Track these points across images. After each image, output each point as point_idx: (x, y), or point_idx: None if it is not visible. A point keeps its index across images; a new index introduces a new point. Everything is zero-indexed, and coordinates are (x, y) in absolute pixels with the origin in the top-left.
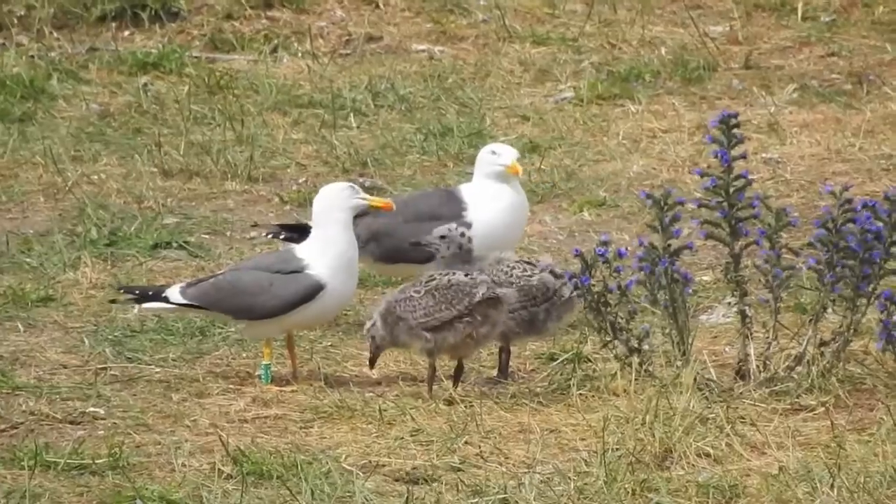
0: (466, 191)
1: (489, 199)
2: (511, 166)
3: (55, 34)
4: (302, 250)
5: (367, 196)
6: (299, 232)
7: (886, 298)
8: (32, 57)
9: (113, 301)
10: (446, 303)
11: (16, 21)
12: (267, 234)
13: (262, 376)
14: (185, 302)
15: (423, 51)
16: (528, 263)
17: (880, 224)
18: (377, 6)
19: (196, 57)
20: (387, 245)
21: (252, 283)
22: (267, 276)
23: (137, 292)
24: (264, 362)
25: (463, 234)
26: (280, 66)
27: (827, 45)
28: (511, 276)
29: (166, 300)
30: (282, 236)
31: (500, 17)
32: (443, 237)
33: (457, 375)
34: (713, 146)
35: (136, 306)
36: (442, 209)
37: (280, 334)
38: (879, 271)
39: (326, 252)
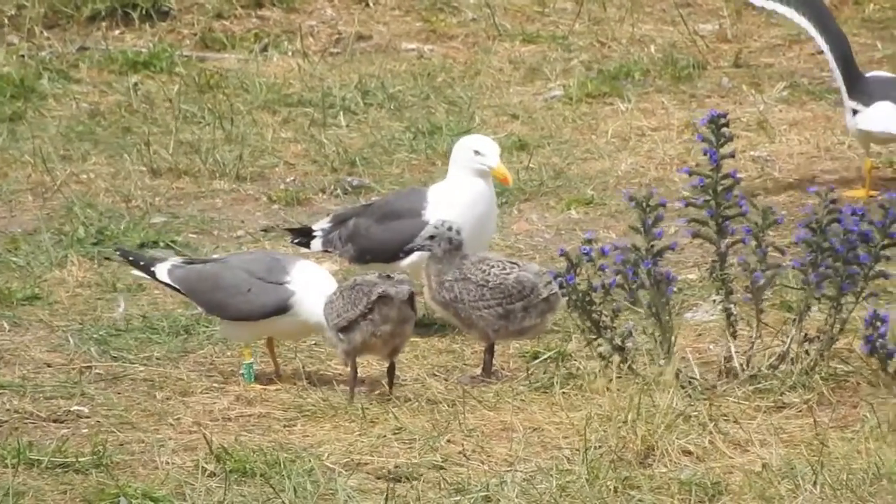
0: (433, 189)
1: (452, 196)
2: (497, 170)
3: (45, 33)
4: (290, 264)
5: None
6: (306, 235)
7: (872, 317)
8: (23, 56)
9: (107, 258)
10: (351, 303)
11: (6, 20)
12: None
13: (245, 375)
14: (167, 282)
15: (413, 50)
16: (512, 263)
17: (868, 228)
18: (367, 5)
19: (186, 56)
20: (360, 245)
21: (232, 284)
22: (248, 280)
23: (131, 258)
24: (246, 361)
25: (450, 228)
26: (270, 65)
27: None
28: (489, 274)
29: (153, 275)
30: (295, 241)
31: (489, 15)
32: (432, 237)
33: (390, 376)
34: (701, 144)
35: (121, 305)
36: (403, 208)
37: (251, 340)
38: (869, 272)
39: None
